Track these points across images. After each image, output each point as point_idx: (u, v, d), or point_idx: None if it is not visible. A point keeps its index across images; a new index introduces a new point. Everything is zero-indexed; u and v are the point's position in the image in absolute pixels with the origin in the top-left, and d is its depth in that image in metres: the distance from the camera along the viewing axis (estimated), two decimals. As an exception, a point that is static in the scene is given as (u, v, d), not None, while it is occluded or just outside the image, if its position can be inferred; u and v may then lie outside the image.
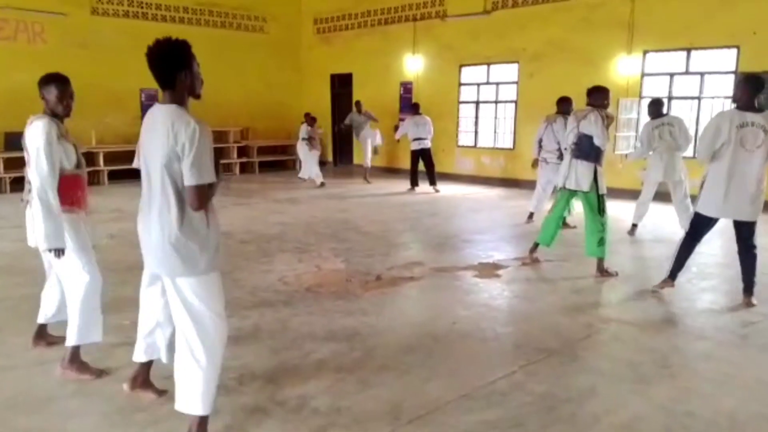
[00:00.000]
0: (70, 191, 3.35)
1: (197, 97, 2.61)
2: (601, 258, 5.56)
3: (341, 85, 15.03)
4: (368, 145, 12.65)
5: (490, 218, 8.68)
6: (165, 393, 3.03)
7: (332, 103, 15.31)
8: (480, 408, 3.10)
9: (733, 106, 4.73)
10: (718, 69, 9.54)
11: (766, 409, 3.14)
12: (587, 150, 5.45)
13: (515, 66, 11.76)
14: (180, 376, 2.68)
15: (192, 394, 2.64)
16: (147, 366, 3.10)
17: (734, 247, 4.83)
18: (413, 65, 13.36)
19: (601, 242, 5.49)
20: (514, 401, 3.17)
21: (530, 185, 8.64)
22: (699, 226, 4.85)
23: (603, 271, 5.55)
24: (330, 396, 3.21)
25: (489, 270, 5.80)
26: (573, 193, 5.70)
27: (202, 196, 2.47)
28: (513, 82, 11.88)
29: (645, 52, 10.08)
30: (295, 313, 4.51)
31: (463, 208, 9.60)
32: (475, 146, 12.79)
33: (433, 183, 11.35)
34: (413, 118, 11.33)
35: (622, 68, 10.23)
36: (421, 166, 11.39)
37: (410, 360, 3.70)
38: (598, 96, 5.51)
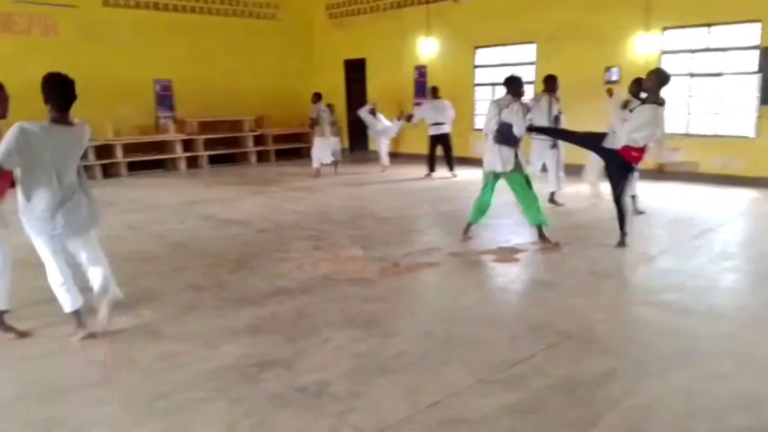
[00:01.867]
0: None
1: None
2: (542, 226, 5.95)
3: (355, 70, 14.96)
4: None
5: (507, 202, 8.59)
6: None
7: (347, 89, 15.25)
8: (498, 391, 3.10)
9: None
10: (740, 44, 9.32)
11: (790, 390, 3.09)
12: (507, 136, 5.83)
13: (532, 47, 11.58)
14: None
15: None
16: None
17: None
18: (427, 49, 13.24)
19: (539, 210, 5.94)
20: (534, 385, 3.16)
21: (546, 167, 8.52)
22: None
23: (545, 239, 5.93)
24: (348, 382, 3.22)
25: (507, 254, 5.77)
26: (498, 176, 6.04)
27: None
28: (530, 63, 11.68)
29: (664, 29, 9.87)
30: (312, 300, 4.53)
31: (479, 192, 9.51)
32: (491, 129, 12.64)
33: (451, 168, 11.25)
34: (432, 102, 11.18)
35: (639, 46, 10.04)
36: (439, 151, 11.24)
37: (428, 345, 3.70)
38: (516, 86, 5.93)
